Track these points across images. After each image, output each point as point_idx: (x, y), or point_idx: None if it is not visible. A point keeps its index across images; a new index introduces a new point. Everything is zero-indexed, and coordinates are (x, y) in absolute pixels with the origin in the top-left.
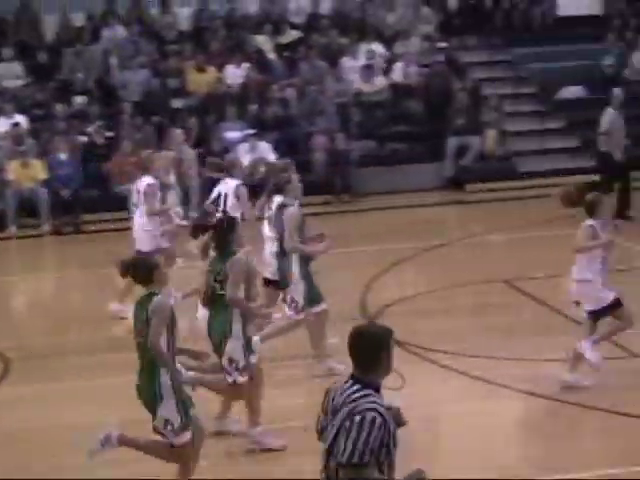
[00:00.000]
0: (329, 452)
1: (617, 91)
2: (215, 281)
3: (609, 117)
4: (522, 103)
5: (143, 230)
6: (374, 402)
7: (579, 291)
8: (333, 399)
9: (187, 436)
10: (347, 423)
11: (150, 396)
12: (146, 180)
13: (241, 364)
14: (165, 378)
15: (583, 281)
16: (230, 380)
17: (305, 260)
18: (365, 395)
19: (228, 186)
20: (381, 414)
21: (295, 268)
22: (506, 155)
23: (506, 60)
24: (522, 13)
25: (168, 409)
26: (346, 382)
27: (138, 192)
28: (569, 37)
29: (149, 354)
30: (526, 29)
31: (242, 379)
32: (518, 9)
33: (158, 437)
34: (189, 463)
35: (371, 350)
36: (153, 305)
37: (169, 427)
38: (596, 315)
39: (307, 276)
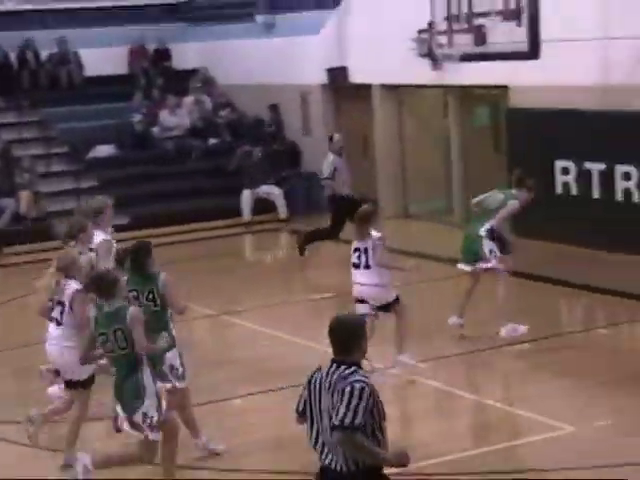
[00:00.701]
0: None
1: (337, 136)
2: (147, 300)
3: (331, 162)
4: (54, 163)
5: None
6: (362, 376)
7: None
8: (319, 382)
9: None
10: (339, 395)
11: (131, 393)
12: None
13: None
14: (148, 378)
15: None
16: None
17: None
18: (353, 372)
19: None
20: (367, 384)
21: None
22: (42, 216)
23: (35, 121)
24: (49, 73)
25: (148, 405)
26: (330, 367)
27: None
28: (98, 96)
29: (130, 357)
30: (54, 89)
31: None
32: (45, 69)
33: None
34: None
35: (352, 336)
36: (130, 316)
37: (147, 421)
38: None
39: None
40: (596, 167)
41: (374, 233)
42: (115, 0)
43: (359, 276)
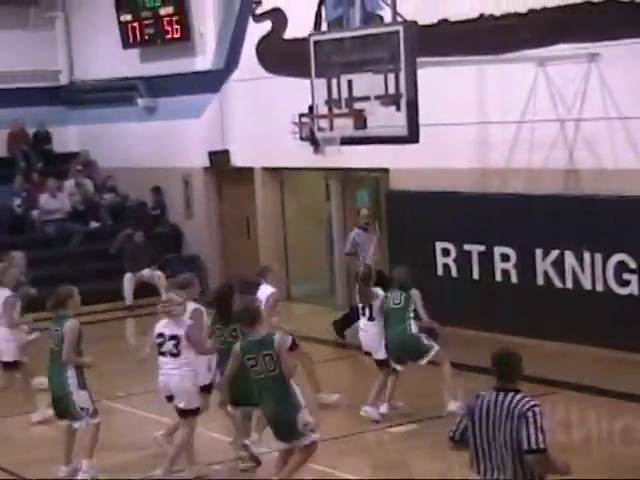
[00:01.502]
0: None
1: (364, 211)
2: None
3: (353, 236)
4: None
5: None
6: (530, 400)
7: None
8: (485, 410)
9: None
10: (523, 419)
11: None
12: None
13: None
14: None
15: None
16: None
17: None
18: (522, 397)
19: None
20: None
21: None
22: None
23: None
24: None
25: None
26: (496, 395)
27: None
28: None
29: (278, 378)
30: None
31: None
32: None
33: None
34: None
35: (517, 366)
36: (277, 342)
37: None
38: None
39: None
40: (475, 248)
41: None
42: None
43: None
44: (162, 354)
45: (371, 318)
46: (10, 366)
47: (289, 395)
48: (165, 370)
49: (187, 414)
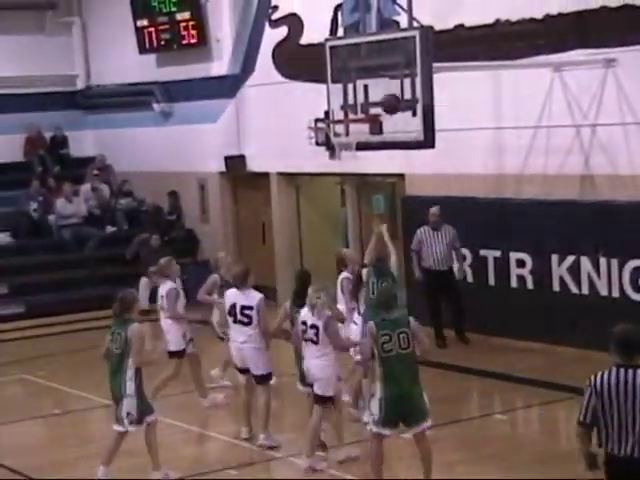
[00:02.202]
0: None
1: (433, 209)
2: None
3: (420, 234)
4: None
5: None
6: None
7: None
8: (615, 387)
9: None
10: None
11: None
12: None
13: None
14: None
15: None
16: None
17: None
18: None
19: None
20: None
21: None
22: None
23: None
24: None
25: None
26: (620, 372)
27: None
28: None
29: (411, 356)
30: None
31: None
32: None
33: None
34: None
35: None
36: (412, 323)
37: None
38: None
39: None
40: (491, 254)
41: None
42: (12, 88)
43: None
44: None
45: None
46: (176, 355)
47: (418, 373)
48: (307, 357)
49: (323, 401)
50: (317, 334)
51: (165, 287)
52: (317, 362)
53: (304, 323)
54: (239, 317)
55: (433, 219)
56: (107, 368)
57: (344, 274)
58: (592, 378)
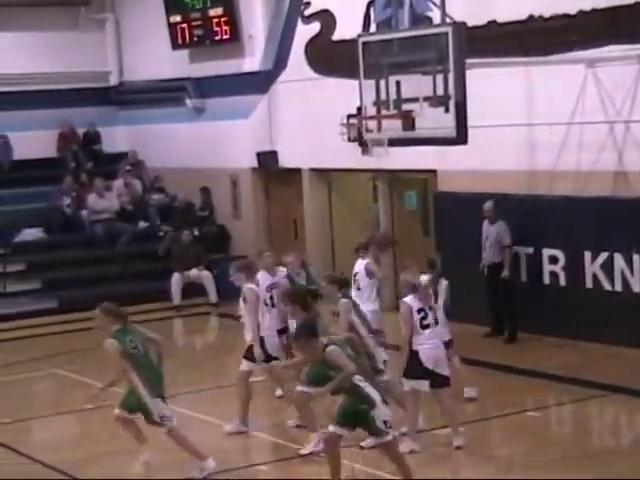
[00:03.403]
0: None
1: (488, 204)
2: None
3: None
4: None
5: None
6: None
7: None
8: None
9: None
10: None
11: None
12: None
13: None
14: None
15: None
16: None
17: None
18: None
19: None
20: None
21: None
22: None
23: None
24: None
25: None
26: None
27: None
28: (26, 180)
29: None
30: None
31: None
32: None
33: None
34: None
35: None
36: None
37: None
38: None
39: None
40: (524, 251)
41: None
42: (45, 84)
43: None
44: (425, 327)
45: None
46: None
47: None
48: (430, 343)
49: (446, 382)
50: (435, 317)
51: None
52: (439, 345)
53: (422, 310)
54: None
55: (487, 214)
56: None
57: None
58: None
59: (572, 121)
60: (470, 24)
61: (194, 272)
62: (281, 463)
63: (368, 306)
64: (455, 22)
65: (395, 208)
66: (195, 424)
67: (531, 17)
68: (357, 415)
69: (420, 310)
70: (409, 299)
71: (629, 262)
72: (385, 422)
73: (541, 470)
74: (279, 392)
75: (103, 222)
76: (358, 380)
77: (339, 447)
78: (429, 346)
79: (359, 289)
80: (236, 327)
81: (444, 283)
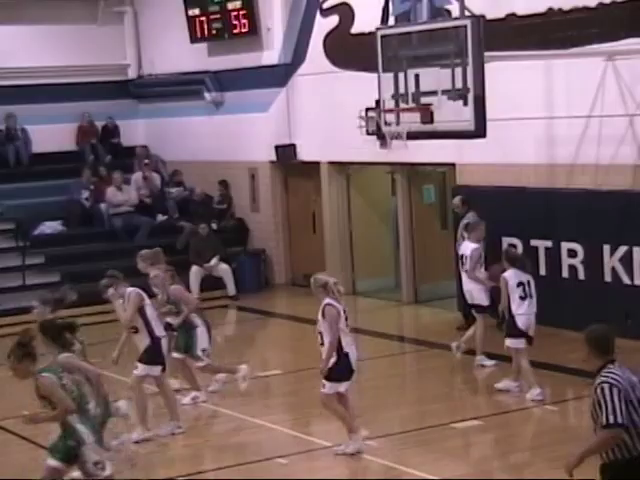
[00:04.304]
0: None
1: (456, 200)
2: None
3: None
4: (0, 240)
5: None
6: None
7: None
8: (627, 381)
9: None
10: None
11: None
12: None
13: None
14: None
15: None
16: None
17: None
18: None
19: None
20: None
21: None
22: None
23: None
24: None
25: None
26: (616, 367)
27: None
28: (45, 173)
29: None
30: (1, 166)
31: None
32: None
33: None
34: None
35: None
36: None
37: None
38: None
39: None
40: (542, 244)
41: None
42: (64, 77)
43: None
44: (522, 298)
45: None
46: (483, 310)
47: None
48: (528, 311)
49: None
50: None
51: (469, 247)
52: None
53: (521, 283)
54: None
55: (456, 209)
56: None
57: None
58: (608, 376)
59: (591, 114)
60: (489, 17)
61: (213, 265)
62: (300, 456)
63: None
64: (474, 15)
65: (413, 201)
66: (209, 415)
67: (550, 10)
68: (67, 450)
69: (519, 284)
70: (508, 273)
71: None
72: (96, 463)
73: (559, 463)
74: None
75: (122, 215)
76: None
77: None
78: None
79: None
80: (255, 320)
81: None
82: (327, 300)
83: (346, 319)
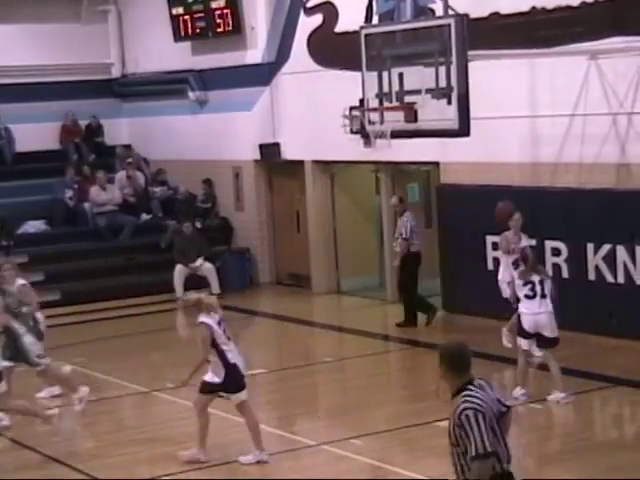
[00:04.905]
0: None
1: (393, 199)
2: None
3: (408, 221)
4: None
5: None
6: None
7: None
8: (488, 401)
9: None
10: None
11: None
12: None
13: None
14: None
15: None
16: None
17: None
18: None
19: None
20: None
21: None
22: None
23: None
24: None
25: None
26: (482, 389)
27: None
28: (28, 172)
29: None
30: None
31: None
32: None
33: None
34: None
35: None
36: None
37: None
38: None
39: None
40: (526, 243)
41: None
42: (48, 76)
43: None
44: (530, 297)
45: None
46: None
47: None
48: (537, 310)
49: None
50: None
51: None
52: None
53: (530, 282)
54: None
55: (394, 209)
56: None
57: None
58: (472, 401)
59: (575, 113)
60: (473, 16)
61: (197, 264)
62: (285, 454)
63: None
64: (458, 14)
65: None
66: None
67: (534, 9)
68: None
69: (527, 282)
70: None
71: (631, 254)
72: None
73: (544, 461)
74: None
75: (106, 214)
76: None
77: None
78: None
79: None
80: (239, 319)
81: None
82: (200, 319)
83: (224, 331)
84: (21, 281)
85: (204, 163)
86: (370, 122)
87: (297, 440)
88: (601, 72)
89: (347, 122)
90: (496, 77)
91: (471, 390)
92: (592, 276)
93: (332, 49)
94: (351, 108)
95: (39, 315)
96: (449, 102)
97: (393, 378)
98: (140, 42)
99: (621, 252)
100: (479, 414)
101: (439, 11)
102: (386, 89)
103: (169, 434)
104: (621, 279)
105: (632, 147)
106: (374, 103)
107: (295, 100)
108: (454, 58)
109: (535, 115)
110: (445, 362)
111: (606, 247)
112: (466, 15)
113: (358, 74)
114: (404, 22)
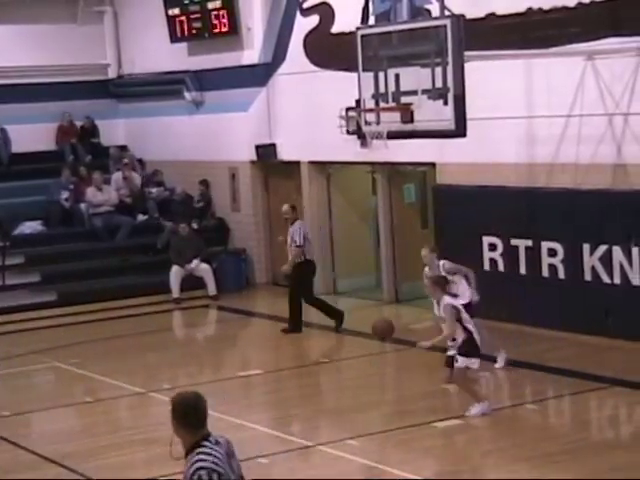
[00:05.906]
0: None
1: (285, 207)
2: None
3: (301, 229)
4: None
5: None
6: None
7: None
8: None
9: None
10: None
11: None
12: None
13: None
14: None
15: None
16: None
17: None
18: None
19: None
20: None
21: None
22: None
23: None
24: None
25: None
26: (216, 442)
27: None
28: (25, 173)
29: None
30: None
31: None
32: None
33: None
34: None
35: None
36: None
37: None
38: None
39: None
40: (522, 243)
41: None
42: (44, 76)
43: None
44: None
45: None
46: None
47: None
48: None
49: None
50: None
51: None
52: None
53: None
54: None
55: (285, 216)
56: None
57: None
58: (206, 459)
59: (571, 114)
60: (469, 16)
61: (193, 265)
62: (281, 455)
63: None
64: (454, 14)
65: (394, 201)
66: None
67: (530, 9)
68: None
69: None
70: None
71: (627, 255)
72: None
73: (540, 462)
74: None
75: (102, 215)
76: None
77: None
78: None
79: None
80: (235, 320)
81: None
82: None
83: None
84: None
85: (200, 164)
86: (366, 123)
87: (293, 441)
88: (597, 73)
89: (343, 123)
90: (492, 78)
91: (205, 446)
92: (588, 277)
93: (328, 50)
94: (347, 109)
95: None
96: (445, 103)
97: (389, 379)
98: (136, 43)
99: (617, 253)
100: (214, 474)
101: (435, 12)
102: (382, 90)
103: (166, 435)
104: (617, 280)
105: (628, 148)
106: (370, 104)
107: (291, 101)
108: (450, 59)
109: (531, 116)
110: (177, 416)
111: (602, 248)
112: (462, 16)
113: (354, 75)
114: (400, 23)
